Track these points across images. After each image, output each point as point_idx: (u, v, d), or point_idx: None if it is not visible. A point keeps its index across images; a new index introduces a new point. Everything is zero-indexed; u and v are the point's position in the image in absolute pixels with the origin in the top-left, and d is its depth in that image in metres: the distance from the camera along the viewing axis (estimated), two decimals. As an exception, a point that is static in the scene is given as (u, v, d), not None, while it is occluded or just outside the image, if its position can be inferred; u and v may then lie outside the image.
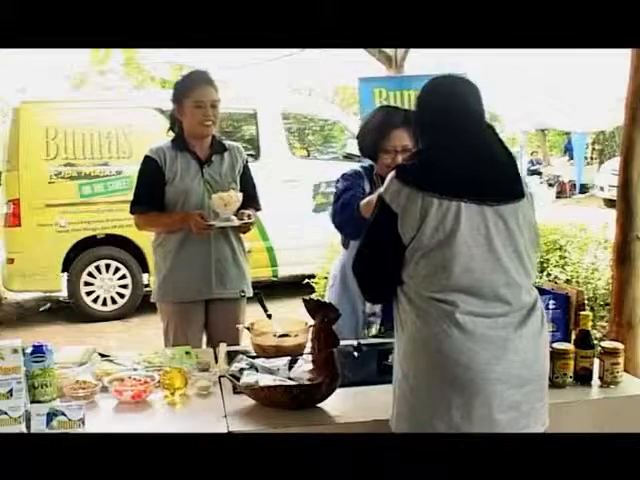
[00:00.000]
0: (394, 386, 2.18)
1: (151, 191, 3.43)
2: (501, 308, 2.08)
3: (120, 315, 7.53)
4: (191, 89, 3.42)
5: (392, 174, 2.17)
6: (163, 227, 3.49)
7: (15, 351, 2.21)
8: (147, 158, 3.48)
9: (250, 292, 3.57)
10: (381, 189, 2.21)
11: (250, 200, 3.55)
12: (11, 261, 7.48)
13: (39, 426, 2.16)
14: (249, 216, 3.40)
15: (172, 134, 3.54)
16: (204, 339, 3.57)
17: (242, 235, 3.53)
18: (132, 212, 3.52)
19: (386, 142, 3.07)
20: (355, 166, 3.34)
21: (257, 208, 3.64)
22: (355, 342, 2.99)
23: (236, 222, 3.35)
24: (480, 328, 2.04)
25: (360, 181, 3.22)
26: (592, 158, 21.16)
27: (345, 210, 3.08)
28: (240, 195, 3.35)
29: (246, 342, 3.13)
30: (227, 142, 3.63)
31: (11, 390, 2.17)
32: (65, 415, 2.17)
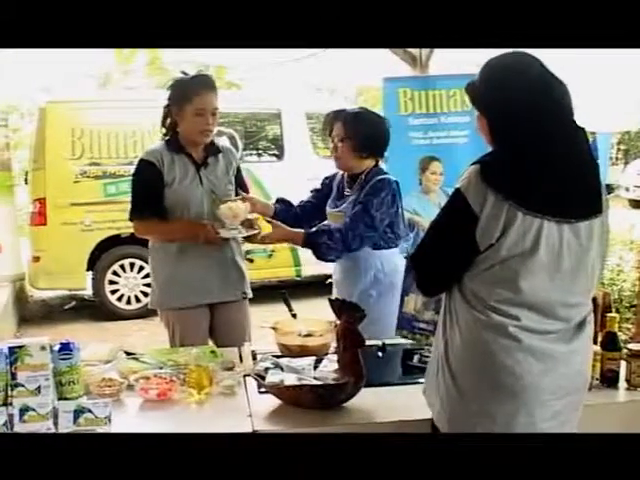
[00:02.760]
0: (437, 382, 2.12)
1: (151, 196, 3.33)
2: (558, 325, 2.03)
3: (144, 313, 7.55)
4: (194, 95, 3.28)
5: (475, 170, 2.00)
6: (167, 236, 3.40)
7: (43, 348, 2.23)
8: (144, 162, 3.36)
9: (250, 293, 3.54)
10: (457, 183, 2.04)
11: None
12: (37, 259, 7.55)
13: (66, 423, 2.18)
14: (256, 226, 3.31)
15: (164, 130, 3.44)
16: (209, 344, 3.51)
17: None
18: (131, 219, 3.43)
19: None
20: None
21: None
22: (380, 342, 2.98)
23: (245, 233, 3.28)
24: (536, 342, 2.00)
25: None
26: (617, 158, 20.95)
27: None
28: (248, 205, 3.28)
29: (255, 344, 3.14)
30: (219, 144, 3.53)
31: (39, 387, 2.19)
32: (92, 412, 2.19)
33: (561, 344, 2.02)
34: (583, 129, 2.04)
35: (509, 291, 1.99)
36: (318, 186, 3.61)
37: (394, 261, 3.33)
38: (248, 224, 3.28)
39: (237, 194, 3.45)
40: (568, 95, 2.03)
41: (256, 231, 3.28)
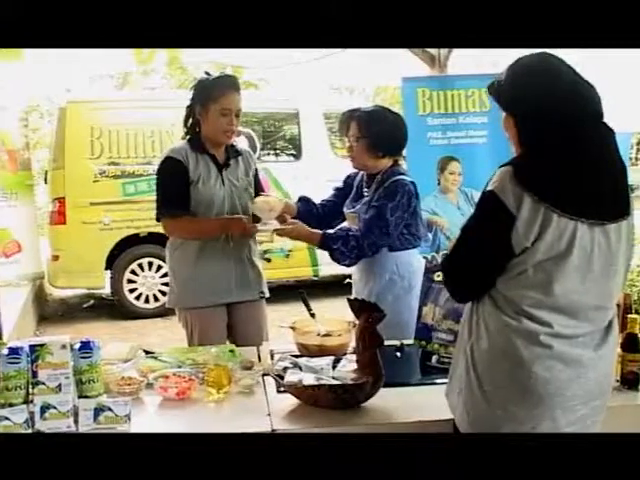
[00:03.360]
0: (461, 384, 2.08)
1: (181, 193, 3.31)
2: (587, 328, 2.00)
3: (162, 312, 7.60)
4: (220, 94, 3.29)
5: (508, 173, 1.96)
6: (199, 233, 3.38)
7: (64, 347, 2.25)
8: (170, 159, 3.34)
9: (267, 293, 3.55)
10: (489, 185, 2.00)
11: None
12: (56, 258, 7.61)
13: (86, 421, 2.19)
14: (288, 221, 3.30)
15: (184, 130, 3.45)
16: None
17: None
18: (162, 215, 3.38)
19: None
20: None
21: None
22: (398, 342, 2.98)
23: (279, 226, 3.27)
24: (567, 348, 1.97)
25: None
26: (637, 159, 20.82)
27: None
28: (283, 200, 3.29)
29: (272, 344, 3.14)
30: (239, 146, 3.55)
31: (60, 385, 2.21)
32: (112, 411, 2.20)
33: (590, 349, 2.00)
34: (612, 130, 2.01)
35: (542, 294, 1.96)
36: (340, 184, 3.59)
37: (411, 263, 3.31)
38: (281, 219, 3.29)
39: (256, 195, 3.46)
40: (597, 95, 2.01)
41: (290, 227, 3.26)
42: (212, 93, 3.30)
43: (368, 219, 3.21)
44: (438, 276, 2.75)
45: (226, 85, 3.34)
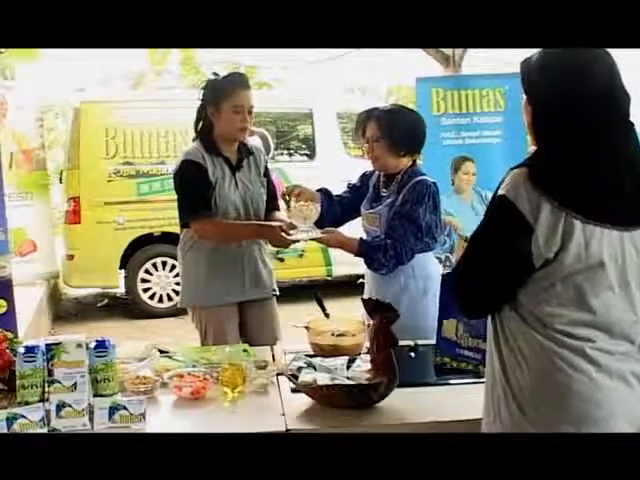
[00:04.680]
0: (495, 410, 1.91)
1: (206, 195, 3.29)
2: (624, 346, 1.81)
3: (176, 312, 7.61)
4: (231, 92, 3.29)
5: (522, 175, 1.79)
6: (233, 237, 3.37)
7: (79, 346, 2.26)
8: (190, 162, 3.32)
9: (277, 291, 3.56)
10: (501, 189, 1.82)
11: (273, 200, 3.55)
12: (71, 257, 7.66)
13: (101, 419, 2.20)
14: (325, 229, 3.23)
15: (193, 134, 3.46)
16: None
17: None
18: (187, 221, 3.36)
19: None
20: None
21: (276, 208, 3.58)
22: (412, 342, 2.97)
23: (315, 235, 3.19)
24: (611, 363, 1.78)
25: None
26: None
27: None
28: (319, 206, 3.20)
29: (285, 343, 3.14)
30: (250, 144, 3.53)
31: (75, 383, 2.22)
32: (127, 409, 2.21)
33: (634, 367, 1.81)
34: (634, 128, 1.84)
35: (579, 311, 1.77)
36: (356, 182, 3.54)
37: (427, 266, 3.27)
38: (319, 226, 3.23)
39: (269, 196, 3.48)
40: (622, 83, 1.83)
41: (327, 235, 3.21)
42: (223, 91, 3.30)
43: (400, 226, 3.14)
44: None
45: (237, 83, 3.35)
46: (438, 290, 3.14)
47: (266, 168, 3.57)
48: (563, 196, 1.74)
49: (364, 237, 3.31)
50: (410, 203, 3.16)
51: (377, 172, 3.43)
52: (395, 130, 3.22)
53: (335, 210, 3.44)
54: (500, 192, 1.81)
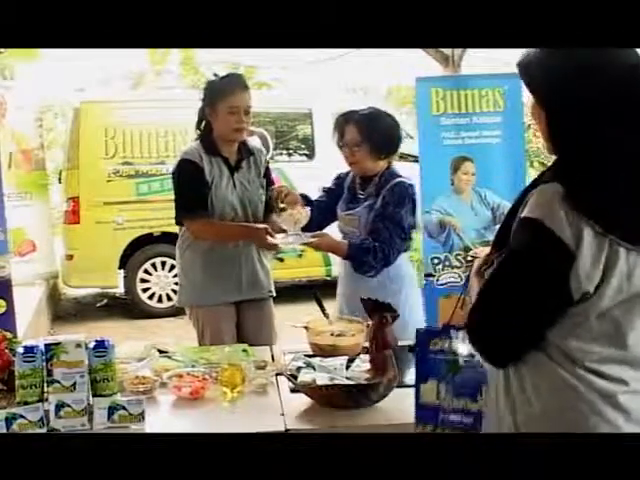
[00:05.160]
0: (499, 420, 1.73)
1: (200, 194, 3.33)
2: None
3: (175, 312, 7.60)
4: (227, 93, 3.32)
5: (556, 195, 1.52)
6: (222, 237, 3.40)
7: (79, 346, 2.26)
8: (187, 161, 3.36)
9: (274, 291, 3.57)
10: (532, 212, 1.56)
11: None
12: (70, 257, 7.66)
13: (101, 419, 2.21)
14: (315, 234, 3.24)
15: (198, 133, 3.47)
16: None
17: None
18: (183, 218, 3.40)
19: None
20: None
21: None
22: (411, 342, 2.97)
23: (304, 239, 3.19)
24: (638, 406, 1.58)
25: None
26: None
27: None
28: (309, 210, 3.20)
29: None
30: (251, 144, 3.55)
31: (74, 383, 2.23)
32: (126, 409, 2.21)
33: None
34: None
35: (612, 347, 1.57)
36: (331, 185, 3.55)
37: (402, 267, 3.28)
38: (306, 230, 3.22)
39: (267, 196, 3.47)
40: None
41: (317, 240, 3.21)
42: (220, 93, 3.33)
43: (385, 228, 3.15)
44: (435, 344, 2.09)
45: (232, 83, 3.38)
46: (411, 290, 3.25)
47: (267, 169, 3.58)
48: (607, 220, 1.51)
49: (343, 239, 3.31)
50: (392, 205, 3.17)
51: (351, 173, 3.43)
52: (375, 134, 3.21)
53: (315, 214, 3.38)
54: (530, 215, 1.55)
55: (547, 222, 1.51)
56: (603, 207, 1.51)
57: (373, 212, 3.22)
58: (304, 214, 3.17)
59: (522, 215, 1.58)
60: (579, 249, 1.50)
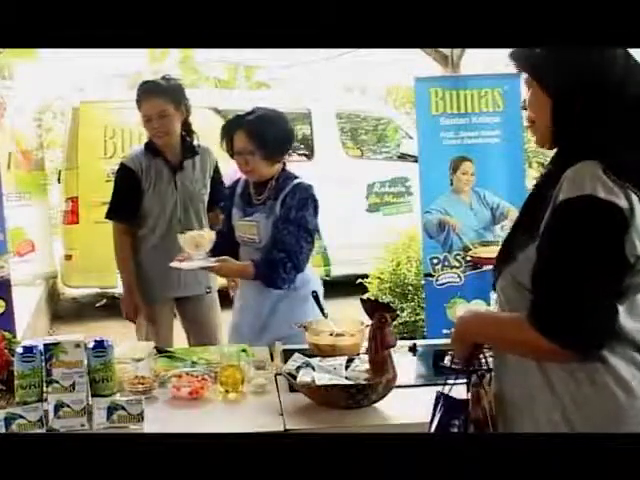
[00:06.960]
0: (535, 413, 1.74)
1: (126, 202, 3.50)
2: None
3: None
4: (139, 104, 3.47)
5: (596, 166, 1.58)
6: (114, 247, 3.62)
7: (78, 346, 2.26)
8: (123, 167, 3.52)
9: (215, 288, 3.65)
10: (579, 189, 1.56)
11: (218, 201, 3.62)
12: (69, 257, 7.65)
13: (100, 420, 2.21)
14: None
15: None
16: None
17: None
18: (109, 218, 3.60)
19: None
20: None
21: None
22: (410, 342, 2.97)
23: (205, 263, 3.04)
24: None
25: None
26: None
27: None
28: (213, 234, 3.10)
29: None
30: (197, 144, 3.60)
31: (74, 384, 2.23)
32: (125, 409, 2.21)
33: None
34: None
35: None
36: (225, 201, 3.42)
37: (305, 272, 3.15)
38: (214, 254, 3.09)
39: (212, 199, 3.58)
40: None
41: (217, 264, 3.05)
42: (136, 102, 3.47)
43: (289, 234, 3.01)
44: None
45: (139, 94, 3.49)
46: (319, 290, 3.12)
47: (216, 169, 3.64)
48: None
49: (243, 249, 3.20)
50: (295, 209, 3.04)
51: (242, 179, 3.27)
52: (269, 140, 3.05)
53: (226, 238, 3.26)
54: (579, 193, 1.56)
55: (600, 194, 1.53)
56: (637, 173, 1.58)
57: (273, 216, 3.08)
58: (207, 238, 3.04)
59: (568, 196, 1.57)
60: (633, 213, 1.54)
